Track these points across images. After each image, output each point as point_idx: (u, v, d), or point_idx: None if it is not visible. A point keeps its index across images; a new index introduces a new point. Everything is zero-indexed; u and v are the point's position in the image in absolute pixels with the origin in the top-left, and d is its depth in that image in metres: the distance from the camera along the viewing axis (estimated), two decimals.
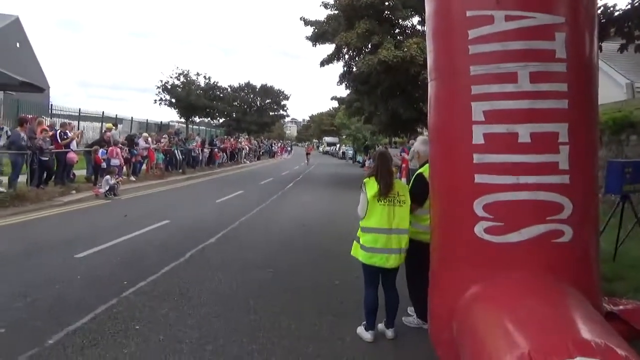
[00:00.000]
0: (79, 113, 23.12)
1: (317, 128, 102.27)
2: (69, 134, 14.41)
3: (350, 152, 53.71)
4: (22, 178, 12.25)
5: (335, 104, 56.44)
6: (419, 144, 4.87)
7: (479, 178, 3.19)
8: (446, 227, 3.46)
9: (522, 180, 3.10)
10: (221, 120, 54.57)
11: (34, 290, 5.52)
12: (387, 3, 20.03)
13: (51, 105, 22.75)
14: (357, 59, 21.32)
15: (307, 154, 43.95)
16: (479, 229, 3.18)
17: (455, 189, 3.34)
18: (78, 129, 17.80)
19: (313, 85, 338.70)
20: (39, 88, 15.65)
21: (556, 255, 3.07)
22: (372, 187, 4.29)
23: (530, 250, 3.07)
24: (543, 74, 3.09)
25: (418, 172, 4.56)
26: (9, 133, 12.77)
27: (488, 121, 3.17)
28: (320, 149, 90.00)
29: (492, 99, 3.17)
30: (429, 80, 3.70)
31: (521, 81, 3.11)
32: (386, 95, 22.58)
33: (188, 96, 38.05)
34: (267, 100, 60.97)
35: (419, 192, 4.30)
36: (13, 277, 5.96)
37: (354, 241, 4.45)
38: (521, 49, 3.10)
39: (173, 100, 39.53)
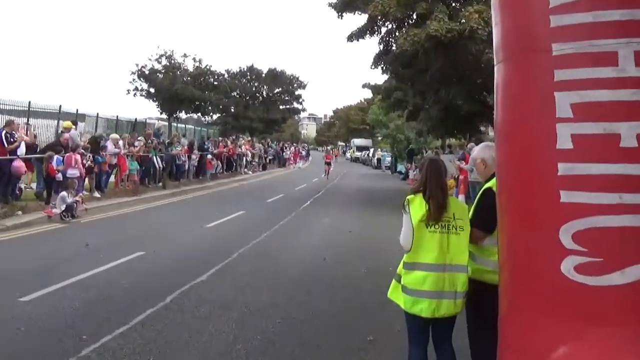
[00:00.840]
0: (29, 107, 23.51)
1: (343, 126, 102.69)
2: (16, 136, 14.69)
3: (388, 159, 53.84)
4: None
5: (368, 93, 56.38)
6: (483, 149, 4.83)
7: (566, 196, 3.10)
8: (521, 264, 3.37)
9: (626, 199, 2.98)
10: (215, 117, 55.15)
11: None
12: None
13: None
14: (397, 33, 21.42)
15: (327, 163, 39.92)
16: (567, 267, 3.09)
17: (533, 211, 3.27)
18: (27, 127, 18.07)
19: (338, 70, 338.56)
20: None
21: None
22: (418, 207, 4.30)
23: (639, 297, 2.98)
24: None
25: (485, 186, 4.51)
26: None
27: (578, 118, 3.09)
28: (348, 154, 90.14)
29: (582, 88, 3.08)
30: (495, 62, 3.67)
31: (623, 63, 2.98)
32: (438, 81, 22.56)
33: (172, 85, 38.63)
34: (277, 90, 61.40)
35: (487, 215, 4.17)
36: None
37: (393, 280, 4.44)
38: (622, 20, 3.01)
39: (152, 90, 40.10)
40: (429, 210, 4.26)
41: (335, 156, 72.49)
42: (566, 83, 3.13)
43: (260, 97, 60.75)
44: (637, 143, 3.01)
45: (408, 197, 4.38)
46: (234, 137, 41.44)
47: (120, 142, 20.05)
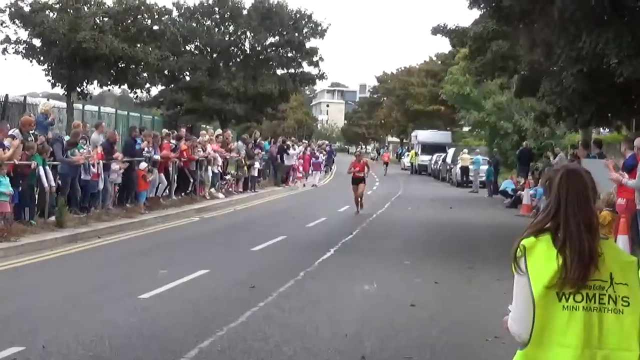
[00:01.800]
0: None
1: (397, 107, 69.92)
2: None
3: (484, 168, 35.06)
4: None
5: (444, 44, 38.87)
6: None
7: None
8: None
9: None
10: (156, 92, 38.55)
11: None
12: None
13: None
14: None
15: (356, 180, 23.41)
16: None
17: None
18: None
19: (382, 3, 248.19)
20: None
21: None
22: (543, 262, 3.02)
23: None
24: None
25: None
26: None
27: None
28: (406, 159, 61.42)
29: None
30: None
31: None
32: (574, 22, 15.68)
33: (73, 32, 26.09)
34: (271, 40, 41.48)
35: None
36: None
37: None
38: None
39: (36, 42, 27.57)
40: (565, 268, 2.98)
41: (385, 163, 53.69)
42: None
43: (240, 54, 40.83)
44: None
45: (523, 242, 3.05)
46: (189, 130, 27.00)
47: None
